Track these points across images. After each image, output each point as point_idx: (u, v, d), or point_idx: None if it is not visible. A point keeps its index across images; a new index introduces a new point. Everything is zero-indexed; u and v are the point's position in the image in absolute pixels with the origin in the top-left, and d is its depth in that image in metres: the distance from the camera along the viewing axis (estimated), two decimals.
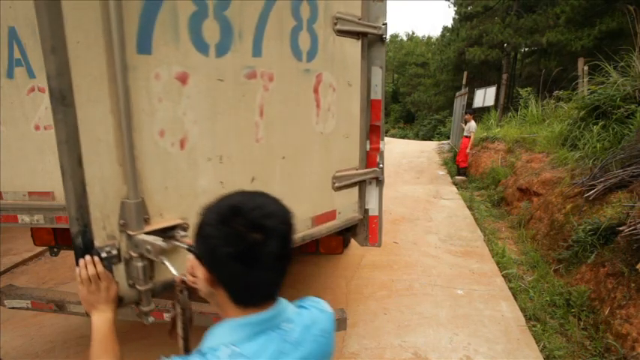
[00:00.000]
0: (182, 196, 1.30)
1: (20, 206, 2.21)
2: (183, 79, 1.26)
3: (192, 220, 1.02)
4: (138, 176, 1.18)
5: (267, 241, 0.69)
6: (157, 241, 1.13)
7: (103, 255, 1.12)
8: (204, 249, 0.72)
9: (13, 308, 2.45)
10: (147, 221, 1.21)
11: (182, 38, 1.24)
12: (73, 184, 1.07)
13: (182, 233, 1.24)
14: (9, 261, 4.35)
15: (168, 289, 1.25)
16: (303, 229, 1.77)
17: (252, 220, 0.69)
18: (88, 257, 0.99)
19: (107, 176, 1.13)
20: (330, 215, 1.89)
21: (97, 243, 1.12)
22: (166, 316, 2.32)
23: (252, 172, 1.51)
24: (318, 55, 1.63)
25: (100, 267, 1.02)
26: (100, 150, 1.11)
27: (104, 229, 1.14)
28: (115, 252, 1.15)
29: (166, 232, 1.23)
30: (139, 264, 1.17)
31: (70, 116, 1.04)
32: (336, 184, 1.85)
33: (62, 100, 1.02)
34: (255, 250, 0.69)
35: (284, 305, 0.80)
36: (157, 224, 1.22)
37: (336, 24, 1.66)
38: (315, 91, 1.65)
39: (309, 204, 1.78)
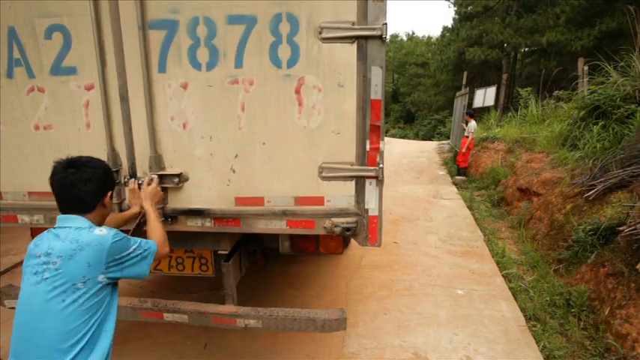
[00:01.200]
0: (184, 158, 2.03)
1: (20, 206, 2.21)
2: (184, 86, 1.95)
3: (191, 174, 2.04)
4: (157, 142, 2.01)
5: (77, 172, 1.38)
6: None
7: (140, 181, 2.00)
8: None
9: (13, 308, 2.45)
10: (163, 168, 2.03)
11: (184, 61, 1.91)
12: (127, 142, 2.01)
13: (178, 179, 2.04)
14: (9, 261, 4.36)
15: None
16: (284, 204, 2.05)
17: (67, 162, 1.40)
18: (150, 177, 1.96)
19: (142, 139, 2.00)
20: (317, 200, 2.04)
21: (138, 174, 2.05)
22: (165, 316, 2.32)
23: (236, 150, 1.99)
24: (299, 61, 1.86)
25: (156, 183, 1.95)
26: (139, 124, 1.98)
27: (141, 168, 2.04)
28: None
29: (174, 177, 2.03)
30: None
31: (126, 107, 1.98)
32: (323, 174, 1.99)
33: (123, 99, 1.96)
34: (62, 176, 1.38)
35: (69, 218, 1.37)
36: (169, 171, 2.03)
37: (320, 33, 1.81)
38: (297, 92, 1.89)
39: (291, 184, 2.02)
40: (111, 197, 1.51)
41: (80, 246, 1.28)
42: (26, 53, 1.98)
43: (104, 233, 1.34)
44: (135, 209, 1.94)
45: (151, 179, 1.95)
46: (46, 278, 1.25)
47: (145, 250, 1.47)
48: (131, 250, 1.40)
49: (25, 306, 1.28)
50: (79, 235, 1.31)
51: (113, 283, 1.41)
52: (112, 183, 1.52)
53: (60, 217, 1.39)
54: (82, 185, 1.37)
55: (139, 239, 1.48)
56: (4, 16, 1.94)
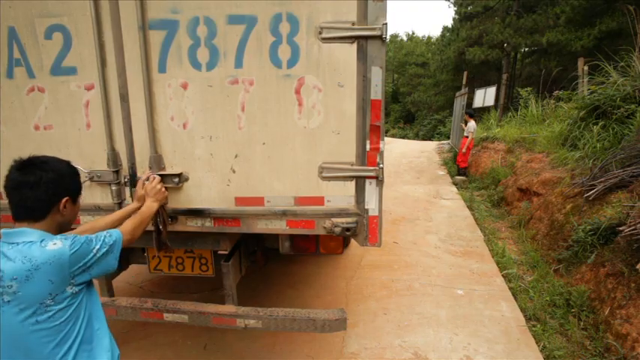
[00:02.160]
0: (184, 158, 2.03)
1: None
2: (184, 86, 1.95)
3: (191, 174, 2.04)
4: (158, 142, 2.02)
5: (26, 174, 1.23)
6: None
7: (137, 178, 1.99)
8: None
9: None
10: (163, 168, 2.04)
11: (184, 61, 1.92)
12: (127, 142, 2.02)
13: (178, 179, 2.04)
14: None
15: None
16: (284, 204, 2.04)
17: (20, 163, 1.26)
18: (148, 174, 1.93)
19: (143, 140, 2.01)
20: (317, 200, 2.03)
21: (138, 174, 2.05)
22: (165, 316, 2.32)
23: (236, 151, 1.99)
24: (299, 61, 1.86)
25: (158, 181, 1.90)
26: (139, 125, 1.99)
27: (141, 168, 2.05)
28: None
29: (174, 177, 2.04)
30: None
31: (127, 107, 1.98)
32: (324, 174, 1.99)
33: (123, 99, 1.97)
34: (11, 177, 1.24)
35: (15, 233, 1.20)
36: (169, 171, 2.04)
37: (320, 33, 1.81)
38: (297, 92, 1.89)
39: (291, 184, 2.01)
40: (73, 203, 1.34)
41: (35, 265, 1.14)
42: (26, 53, 1.98)
43: (59, 247, 1.19)
44: (134, 204, 1.84)
45: (148, 177, 1.89)
46: (8, 301, 1.14)
47: (110, 245, 1.35)
48: (95, 251, 1.29)
49: (1, 329, 1.18)
50: (29, 251, 1.16)
51: (86, 284, 1.32)
52: (68, 189, 1.32)
53: (4, 231, 1.21)
54: (29, 189, 1.21)
55: (101, 235, 1.35)
56: (4, 16, 1.94)
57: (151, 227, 1.93)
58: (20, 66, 2.00)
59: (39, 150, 2.09)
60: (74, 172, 1.36)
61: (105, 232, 1.38)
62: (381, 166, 1.95)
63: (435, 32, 53.13)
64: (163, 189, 1.91)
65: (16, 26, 1.95)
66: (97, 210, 2.14)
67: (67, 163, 1.35)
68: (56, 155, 2.02)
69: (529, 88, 10.17)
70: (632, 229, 2.98)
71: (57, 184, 1.27)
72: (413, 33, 40.99)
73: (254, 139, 1.97)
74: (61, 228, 1.33)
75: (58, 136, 2.07)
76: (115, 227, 1.65)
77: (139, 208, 1.81)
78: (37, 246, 1.17)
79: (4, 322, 1.16)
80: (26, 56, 1.99)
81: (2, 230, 1.22)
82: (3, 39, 1.97)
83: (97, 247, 1.30)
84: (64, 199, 1.28)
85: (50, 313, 1.17)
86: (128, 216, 1.78)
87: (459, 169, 8.69)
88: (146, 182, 1.89)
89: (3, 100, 2.06)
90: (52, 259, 1.16)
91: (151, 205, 1.79)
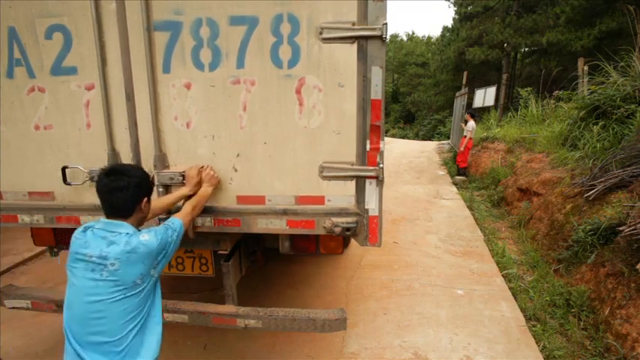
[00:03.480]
0: (188, 157, 2.06)
1: (20, 206, 2.21)
2: (188, 86, 1.98)
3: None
4: (162, 141, 2.05)
5: (115, 180, 1.47)
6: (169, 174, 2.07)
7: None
8: None
9: (13, 308, 2.46)
10: (167, 167, 2.08)
11: (187, 62, 1.94)
12: (132, 139, 2.04)
13: (182, 178, 2.05)
14: (9, 261, 4.36)
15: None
16: (285, 203, 2.07)
17: (108, 170, 1.52)
18: (206, 165, 2.02)
19: (147, 139, 2.04)
20: (318, 199, 2.05)
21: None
22: (166, 316, 2.32)
23: (238, 150, 2.02)
24: (300, 62, 1.87)
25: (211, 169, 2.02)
26: (144, 124, 2.02)
27: (146, 166, 1.98)
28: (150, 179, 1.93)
29: (178, 175, 2.02)
30: (160, 189, 2.05)
31: (132, 106, 2.00)
32: (324, 174, 2.00)
33: (128, 98, 1.99)
34: (103, 183, 1.48)
35: (117, 224, 1.46)
36: (173, 169, 2.06)
37: (321, 33, 1.82)
38: (298, 92, 1.90)
39: (292, 184, 2.03)
40: (148, 202, 1.58)
41: (134, 249, 1.41)
42: (27, 53, 1.99)
43: (147, 239, 1.46)
44: (186, 189, 1.95)
45: (203, 166, 2.02)
46: (106, 277, 1.38)
47: (175, 230, 1.61)
48: (169, 239, 1.55)
49: (84, 298, 1.39)
50: (130, 239, 1.43)
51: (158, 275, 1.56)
52: (147, 189, 1.58)
53: (106, 221, 1.48)
54: (119, 192, 1.47)
55: (168, 224, 1.61)
56: (4, 16, 1.94)
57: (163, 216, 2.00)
58: (20, 66, 2.01)
59: (39, 150, 2.11)
60: (148, 177, 1.62)
61: (169, 222, 1.63)
62: (381, 165, 1.96)
63: (435, 32, 53.10)
64: (217, 175, 2.03)
65: (16, 26, 1.95)
66: (98, 210, 2.13)
67: (143, 169, 1.63)
68: (56, 155, 2.04)
69: (529, 88, 10.17)
70: (632, 229, 2.98)
71: (140, 188, 1.53)
72: (413, 33, 40.98)
73: (255, 139, 1.99)
74: (141, 223, 1.60)
75: (59, 136, 2.08)
76: (167, 210, 1.92)
77: (189, 193, 1.94)
78: (135, 237, 1.45)
79: (97, 293, 1.38)
80: (26, 56, 1.99)
81: (102, 219, 1.49)
82: (3, 39, 1.98)
83: (171, 234, 1.57)
84: (144, 199, 1.55)
85: (137, 290, 1.42)
86: (178, 200, 1.95)
87: (459, 169, 8.69)
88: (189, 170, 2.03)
89: (3, 100, 2.06)
90: (146, 247, 1.44)
91: (206, 190, 1.95)
